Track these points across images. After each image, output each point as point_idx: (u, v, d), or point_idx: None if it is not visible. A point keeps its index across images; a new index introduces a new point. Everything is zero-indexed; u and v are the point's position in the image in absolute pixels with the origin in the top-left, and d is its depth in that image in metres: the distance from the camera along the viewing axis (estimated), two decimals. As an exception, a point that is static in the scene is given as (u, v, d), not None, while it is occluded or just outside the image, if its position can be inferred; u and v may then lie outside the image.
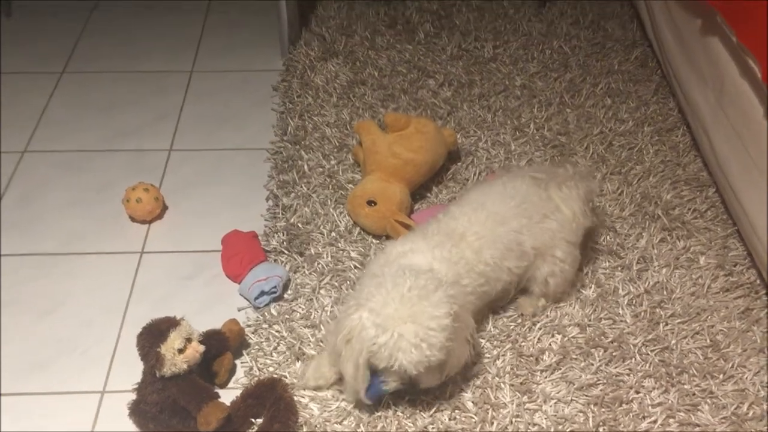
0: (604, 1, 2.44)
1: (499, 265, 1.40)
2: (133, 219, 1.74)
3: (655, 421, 1.35)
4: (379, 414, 1.34)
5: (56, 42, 2.29)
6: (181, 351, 1.31)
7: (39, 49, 2.26)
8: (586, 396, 1.38)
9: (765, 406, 1.37)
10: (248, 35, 2.34)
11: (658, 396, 1.39)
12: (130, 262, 1.65)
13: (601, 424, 1.34)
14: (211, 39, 2.32)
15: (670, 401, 1.38)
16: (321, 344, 1.46)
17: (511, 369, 1.42)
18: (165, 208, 1.76)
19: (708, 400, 1.38)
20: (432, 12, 2.38)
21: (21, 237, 1.69)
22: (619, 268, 1.61)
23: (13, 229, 1.71)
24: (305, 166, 1.84)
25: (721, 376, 1.42)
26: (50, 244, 1.68)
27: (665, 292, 1.56)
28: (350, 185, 1.78)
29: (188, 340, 1.33)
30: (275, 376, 1.40)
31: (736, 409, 1.36)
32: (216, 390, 1.38)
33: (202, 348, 1.34)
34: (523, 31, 2.31)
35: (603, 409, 1.36)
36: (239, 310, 1.54)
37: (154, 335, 1.32)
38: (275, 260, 1.62)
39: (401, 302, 1.22)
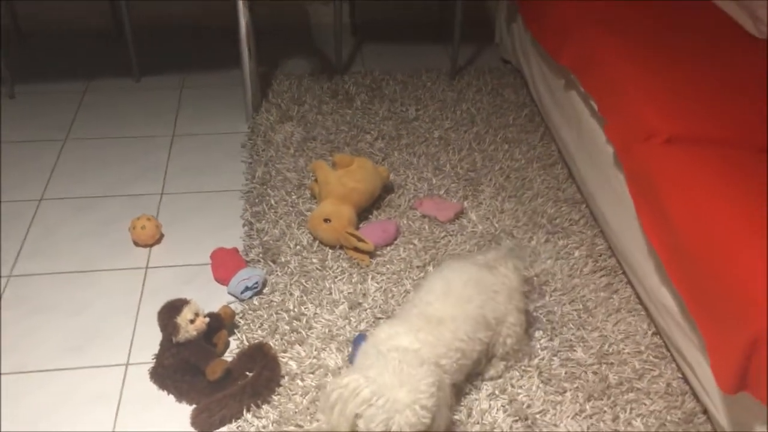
0: (501, 73, 3.07)
1: (472, 338, 1.63)
2: (136, 244, 2.17)
3: (543, 359, 1.84)
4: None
5: (57, 116, 2.73)
6: (191, 322, 1.75)
7: (43, 123, 2.69)
8: (493, 345, 1.87)
9: (621, 346, 1.89)
10: (217, 106, 2.84)
11: (546, 343, 1.88)
12: (138, 275, 2.08)
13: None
14: (186, 109, 2.81)
15: (553, 345, 1.88)
16: (295, 323, 1.91)
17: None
18: (162, 235, 2.22)
19: (581, 344, 1.88)
20: (366, 85, 2.95)
21: (47, 261, 2.10)
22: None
23: (40, 255, 2.12)
24: (272, 201, 2.32)
25: (589, 327, 1.93)
26: (71, 265, 2.10)
27: (549, 275, 2.09)
28: (308, 212, 2.27)
29: (196, 314, 1.77)
30: (262, 341, 1.85)
31: (599, 348, 1.87)
32: (217, 355, 1.82)
33: (207, 320, 1.78)
34: (439, 97, 2.89)
35: (505, 353, 1.86)
36: (228, 303, 1.98)
37: (171, 310, 1.76)
38: (254, 266, 2.08)
39: (393, 372, 1.39)
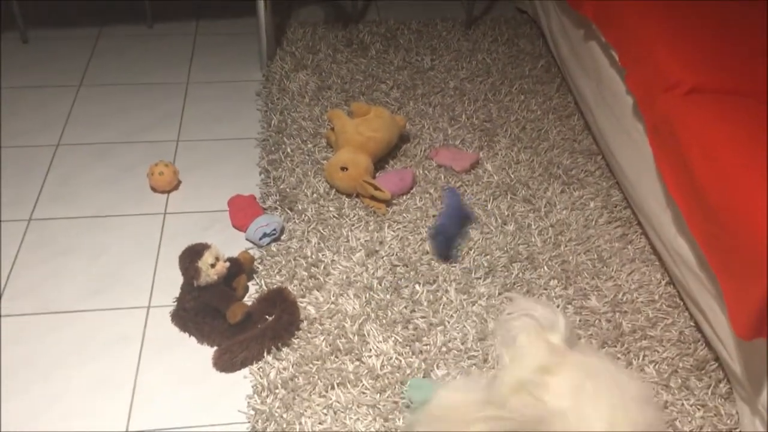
0: (517, 23, 3.04)
1: None
2: (154, 190, 2.19)
3: (557, 306, 1.87)
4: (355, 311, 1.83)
5: (71, 62, 2.72)
6: (212, 266, 1.77)
7: (56, 68, 2.68)
8: (507, 292, 1.90)
9: (635, 295, 1.91)
10: (231, 53, 2.82)
11: (560, 291, 1.91)
12: (157, 221, 2.10)
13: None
14: (200, 57, 2.79)
15: (568, 293, 1.90)
16: (313, 269, 1.93)
17: (455, 278, 1.93)
18: (179, 181, 2.23)
19: (595, 293, 1.91)
20: (380, 34, 2.92)
21: (66, 206, 2.12)
22: (532, 211, 2.15)
23: (59, 200, 2.14)
24: (288, 149, 2.33)
25: (604, 277, 1.95)
26: (90, 210, 2.12)
27: (564, 226, 2.10)
28: (324, 160, 2.28)
29: (217, 258, 1.79)
30: (281, 285, 1.88)
31: (614, 297, 1.90)
32: (237, 299, 1.85)
33: (227, 264, 1.80)
34: (454, 47, 2.87)
35: (521, 301, 1.88)
36: (247, 249, 2.00)
37: (192, 254, 1.78)
38: (272, 214, 2.10)
39: None
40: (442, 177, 2.24)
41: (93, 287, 1.89)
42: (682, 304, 1.88)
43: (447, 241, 1.96)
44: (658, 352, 1.76)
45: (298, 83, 2.62)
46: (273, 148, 2.33)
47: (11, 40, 2.83)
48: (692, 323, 1.83)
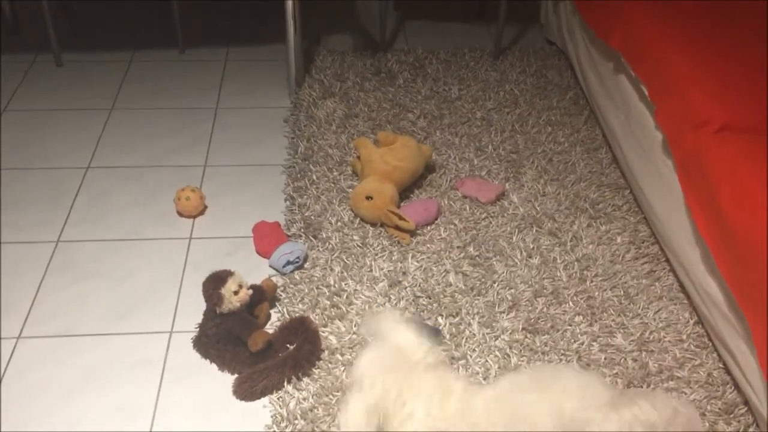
0: (546, 54, 3.04)
1: None
2: (180, 214, 2.20)
3: (582, 343, 1.84)
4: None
5: (103, 86, 2.76)
6: (235, 293, 1.77)
7: (89, 91, 2.73)
8: (532, 327, 1.87)
9: (662, 334, 1.88)
10: (260, 79, 2.84)
11: (585, 328, 1.88)
12: (182, 246, 2.11)
13: (542, 344, 1.83)
14: (230, 82, 2.83)
15: (593, 331, 1.87)
16: (336, 299, 1.93)
17: (478, 312, 1.91)
18: (205, 207, 2.24)
19: (621, 330, 1.88)
20: (408, 63, 2.94)
21: (93, 228, 2.14)
22: (557, 245, 2.12)
23: (87, 223, 2.16)
24: (314, 176, 2.34)
25: (630, 314, 1.92)
26: (117, 233, 2.14)
27: (591, 261, 2.07)
28: (350, 189, 2.28)
29: (240, 286, 1.79)
30: (304, 314, 1.87)
31: (640, 336, 1.86)
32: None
33: (250, 291, 1.80)
34: (482, 77, 2.87)
35: (544, 337, 1.85)
36: (270, 276, 2.00)
37: (215, 281, 1.78)
38: (296, 241, 2.10)
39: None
40: (468, 208, 2.23)
41: (116, 311, 1.90)
42: (710, 344, 1.84)
43: None
44: (685, 393, 1.72)
45: (326, 110, 2.64)
46: (299, 175, 2.34)
47: (46, 63, 2.88)
48: (721, 365, 1.79)
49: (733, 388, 1.74)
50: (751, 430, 1.65)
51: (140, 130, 2.56)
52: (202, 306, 1.83)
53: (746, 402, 1.70)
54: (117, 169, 2.38)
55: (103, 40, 3.05)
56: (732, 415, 1.68)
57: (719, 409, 1.69)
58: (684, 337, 1.86)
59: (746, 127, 1.70)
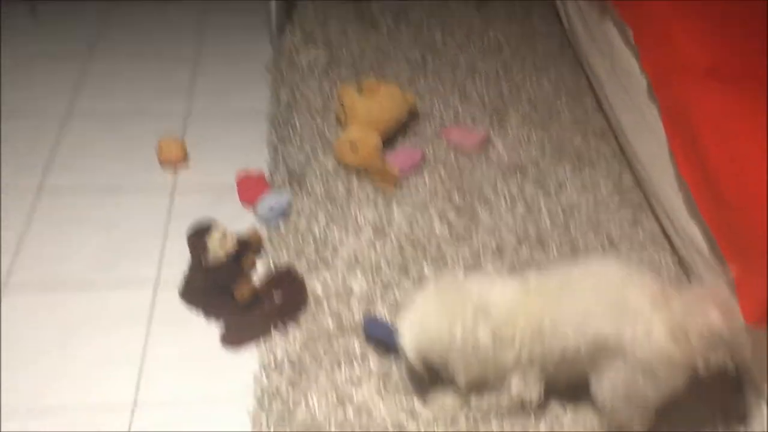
0: (530, 1, 2.99)
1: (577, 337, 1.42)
2: (162, 163, 2.18)
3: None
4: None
5: (78, 31, 2.70)
6: (220, 243, 1.76)
7: (65, 37, 2.66)
8: (515, 273, 1.87)
9: (644, 278, 1.90)
10: (241, 26, 2.78)
11: (569, 273, 1.91)
12: (165, 195, 2.08)
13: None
14: (209, 28, 2.77)
15: (577, 276, 1.90)
16: (321, 248, 1.93)
17: (463, 258, 1.92)
18: (188, 155, 2.21)
19: (604, 275, 1.90)
20: (391, 9, 2.87)
21: (75, 178, 2.12)
22: (542, 192, 2.13)
23: (68, 172, 2.13)
24: (297, 124, 2.31)
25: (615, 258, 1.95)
26: (98, 182, 2.11)
27: (575, 207, 2.08)
28: (333, 137, 2.26)
29: (225, 236, 1.78)
30: (289, 264, 1.87)
31: (623, 280, 1.89)
32: (244, 276, 1.85)
33: (236, 241, 1.80)
34: (466, 24, 2.81)
35: (529, 282, 1.87)
36: (255, 226, 1.99)
37: (200, 231, 1.78)
38: (280, 190, 2.08)
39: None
40: (452, 155, 2.22)
41: (100, 262, 1.89)
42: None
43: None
44: (666, 336, 1.75)
45: (308, 58, 2.60)
46: (282, 124, 2.31)
47: (17, 8, 2.80)
48: (701, 308, 1.82)
49: (712, 330, 1.77)
50: (727, 372, 1.69)
51: (119, 77, 2.51)
52: (187, 256, 1.82)
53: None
54: (97, 116, 2.34)
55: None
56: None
57: (699, 350, 1.72)
58: (666, 281, 1.88)
59: (732, 72, 1.69)
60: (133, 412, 1.58)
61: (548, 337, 1.43)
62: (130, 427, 1.55)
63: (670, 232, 1.90)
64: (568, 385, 1.54)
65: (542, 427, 1.55)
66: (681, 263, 1.91)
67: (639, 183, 2.13)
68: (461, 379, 1.51)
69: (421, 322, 1.48)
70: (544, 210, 2.06)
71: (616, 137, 2.29)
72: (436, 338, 1.46)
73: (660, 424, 1.56)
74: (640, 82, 2.00)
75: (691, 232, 1.75)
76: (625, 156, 2.23)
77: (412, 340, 1.48)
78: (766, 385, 1.50)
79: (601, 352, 1.41)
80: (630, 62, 2.07)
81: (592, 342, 1.40)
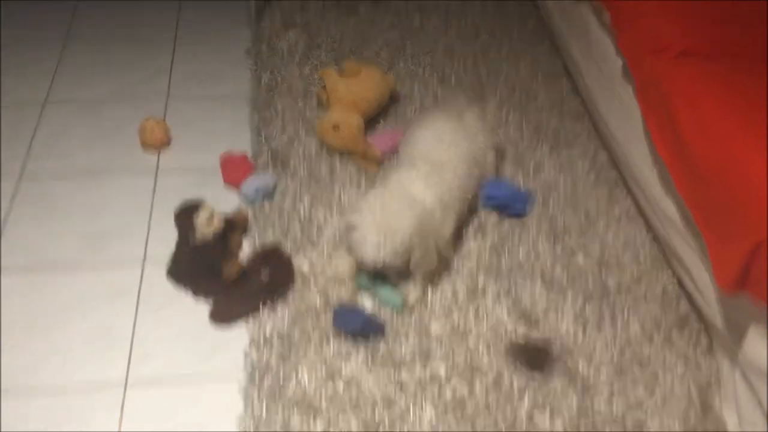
0: (506, -15, 3.03)
1: (469, 174, 1.90)
2: (145, 147, 2.18)
3: (546, 264, 1.91)
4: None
5: (55, 18, 2.67)
6: (208, 223, 1.78)
7: (41, 24, 2.64)
8: (497, 249, 1.93)
9: (620, 253, 1.96)
10: (219, 10, 2.78)
11: (548, 249, 1.96)
12: (149, 178, 2.09)
13: (508, 266, 1.90)
14: (188, 12, 2.76)
15: (556, 252, 1.95)
16: (306, 227, 1.96)
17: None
18: (170, 138, 2.22)
19: (582, 251, 1.95)
20: (369, -6, 2.91)
21: (56, 163, 2.11)
22: (521, 171, 2.18)
23: (49, 158, 2.13)
24: (279, 107, 2.33)
25: (591, 235, 1.99)
26: (81, 167, 2.11)
27: (553, 186, 2.14)
28: (315, 119, 2.28)
29: (212, 215, 1.80)
30: (276, 243, 1.90)
31: (600, 256, 1.94)
32: (231, 255, 1.87)
33: (222, 221, 1.82)
34: (443, 8, 2.84)
35: (509, 259, 1.92)
36: (240, 207, 2.01)
37: (187, 211, 1.80)
38: (264, 171, 2.11)
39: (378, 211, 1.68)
40: (433, 137, 2.26)
41: (87, 244, 1.90)
42: (665, 262, 1.94)
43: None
44: (642, 308, 1.82)
45: (288, 41, 2.61)
46: (264, 107, 2.33)
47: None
48: (675, 280, 1.89)
49: (686, 301, 1.84)
50: (703, 338, 1.76)
51: (97, 64, 2.50)
52: (174, 237, 1.85)
53: (699, 313, 1.80)
54: (76, 103, 2.33)
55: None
56: (685, 326, 1.79)
57: (673, 320, 1.80)
58: (641, 255, 1.95)
59: (705, 52, 1.75)
60: (125, 390, 1.60)
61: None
62: (122, 405, 1.57)
63: (645, 207, 1.96)
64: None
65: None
66: (656, 238, 1.98)
67: (614, 162, 2.20)
68: (423, 264, 1.73)
69: (385, 238, 1.66)
70: (523, 189, 2.12)
71: (591, 118, 2.35)
72: (400, 243, 1.67)
73: (632, 388, 1.63)
74: (616, 63, 2.06)
75: (665, 207, 1.81)
76: (600, 136, 2.29)
77: (383, 254, 1.67)
78: (737, 349, 1.57)
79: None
80: (605, 44, 2.13)
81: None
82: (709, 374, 1.69)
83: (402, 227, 1.67)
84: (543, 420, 1.58)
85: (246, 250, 1.91)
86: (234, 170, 2.09)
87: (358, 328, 1.68)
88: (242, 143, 2.22)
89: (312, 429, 1.53)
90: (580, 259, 1.93)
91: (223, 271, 1.77)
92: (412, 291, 1.78)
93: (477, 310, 1.78)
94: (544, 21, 2.75)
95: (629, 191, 2.11)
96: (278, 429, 1.53)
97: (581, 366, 1.68)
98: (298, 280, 1.83)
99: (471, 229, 1.98)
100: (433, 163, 1.84)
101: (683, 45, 1.77)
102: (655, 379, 1.68)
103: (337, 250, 1.88)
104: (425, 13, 2.82)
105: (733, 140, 1.52)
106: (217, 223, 1.79)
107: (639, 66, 1.85)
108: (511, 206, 2.01)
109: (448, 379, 1.63)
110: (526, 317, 1.77)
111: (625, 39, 1.94)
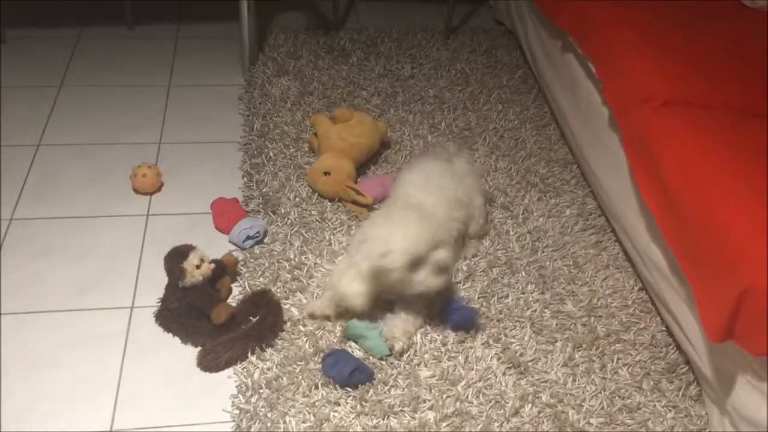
0: (495, 35, 3.10)
1: (453, 217, 1.91)
2: (137, 191, 2.19)
3: (535, 310, 1.92)
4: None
5: (50, 62, 2.70)
6: (197, 267, 1.79)
7: (37, 69, 2.66)
8: (486, 296, 1.94)
9: (609, 300, 1.97)
10: (213, 57, 2.83)
11: (537, 295, 1.96)
12: (140, 223, 2.10)
13: (497, 312, 1.90)
14: (182, 59, 2.80)
15: (545, 298, 1.95)
16: (296, 272, 1.96)
17: (435, 282, 1.97)
18: (162, 183, 2.23)
19: (571, 297, 1.96)
20: (361, 42, 2.96)
21: (48, 206, 2.11)
22: (510, 217, 2.20)
23: (40, 200, 2.13)
24: (271, 153, 2.35)
25: (579, 282, 2.01)
26: (72, 211, 2.11)
27: (542, 232, 2.16)
28: (307, 165, 2.30)
29: (202, 260, 1.81)
30: (265, 287, 1.90)
31: (589, 302, 1.95)
32: (221, 300, 1.87)
33: (212, 265, 1.82)
34: (433, 56, 2.92)
35: (499, 305, 1.93)
36: (230, 252, 2.02)
37: (177, 255, 1.79)
38: (255, 216, 2.12)
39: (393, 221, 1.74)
40: (423, 183, 2.28)
41: (76, 288, 1.89)
42: (654, 309, 1.95)
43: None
44: (631, 355, 1.82)
45: (280, 88, 2.65)
46: (255, 152, 2.35)
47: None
48: (664, 328, 1.90)
49: (675, 348, 1.85)
50: (692, 386, 1.76)
51: (91, 108, 2.52)
52: (163, 281, 1.84)
53: (687, 361, 1.81)
54: (69, 147, 2.34)
55: (49, 15, 2.98)
56: (674, 374, 1.79)
57: (662, 368, 1.80)
58: (629, 302, 1.96)
59: (688, 102, 1.79)
60: (110, 436, 1.58)
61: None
62: (107, 452, 1.55)
63: (633, 255, 1.98)
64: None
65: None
66: (644, 285, 1.99)
67: (602, 209, 2.22)
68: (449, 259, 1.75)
69: (411, 244, 1.68)
70: (512, 235, 2.13)
71: (579, 165, 2.39)
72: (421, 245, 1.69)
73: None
74: (602, 112, 2.10)
75: (652, 254, 1.83)
76: (588, 183, 2.32)
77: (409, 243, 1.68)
78: (726, 397, 1.57)
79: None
80: (592, 94, 2.18)
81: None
82: (699, 423, 1.69)
83: (412, 220, 1.72)
84: (533, 469, 1.57)
85: (236, 294, 1.91)
86: (225, 215, 2.10)
87: (347, 375, 1.67)
88: (234, 188, 2.23)
89: (299, 478, 1.51)
90: (569, 305, 1.94)
91: (212, 315, 1.77)
92: (397, 341, 1.77)
93: (467, 358, 1.78)
94: (532, 70, 2.80)
95: (617, 238, 2.13)
96: (265, 478, 1.51)
97: (571, 414, 1.67)
98: (288, 325, 1.82)
99: (460, 276, 1.99)
100: (420, 205, 1.86)
101: (668, 95, 1.81)
102: (644, 428, 1.67)
103: (324, 293, 1.88)
104: (416, 62, 2.87)
105: (716, 187, 1.55)
106: (206, 268, 1.79)
107: (625, 115, 1.89)
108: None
109: (438, 427, 1.62)
110: (516, 364, 1.77)
111: (611, 89, 1.98)
